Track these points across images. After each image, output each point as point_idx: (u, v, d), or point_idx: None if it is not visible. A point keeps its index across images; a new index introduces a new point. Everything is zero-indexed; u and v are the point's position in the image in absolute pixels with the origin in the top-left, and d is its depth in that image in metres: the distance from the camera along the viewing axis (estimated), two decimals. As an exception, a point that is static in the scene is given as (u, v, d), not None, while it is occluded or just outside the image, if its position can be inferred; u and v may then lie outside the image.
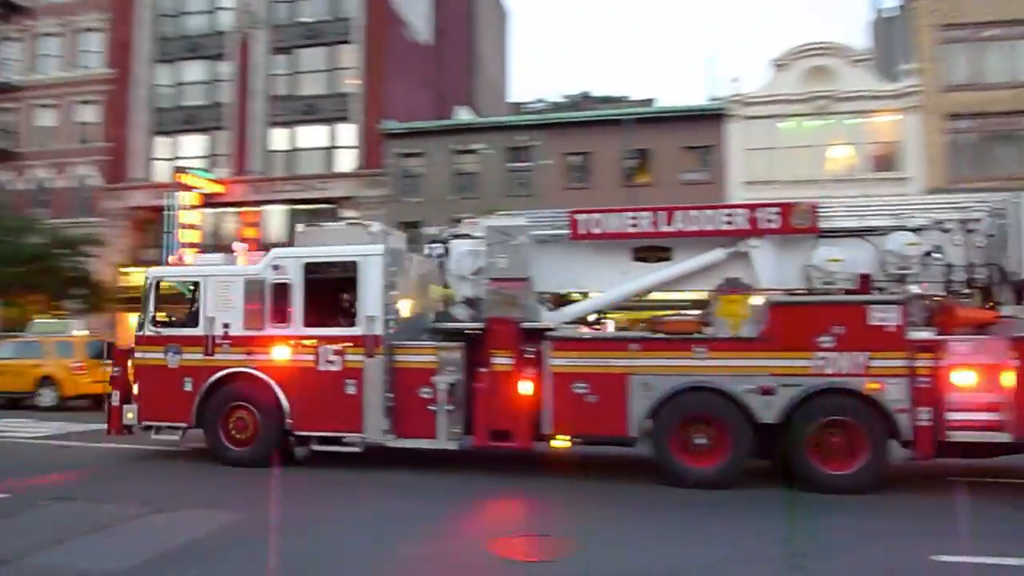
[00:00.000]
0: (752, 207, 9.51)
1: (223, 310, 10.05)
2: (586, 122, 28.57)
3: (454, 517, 7.43)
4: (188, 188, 27.86)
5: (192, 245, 27.81)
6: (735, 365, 8.57)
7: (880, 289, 8.81)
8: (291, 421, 9.65)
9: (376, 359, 9.45)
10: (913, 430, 8.08)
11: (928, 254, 8.73)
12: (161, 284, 10.72)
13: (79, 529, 6.83)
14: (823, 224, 9.06)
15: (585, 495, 8.26)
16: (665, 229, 9.47)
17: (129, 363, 10.52)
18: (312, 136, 29.93)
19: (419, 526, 7.06)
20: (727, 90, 27.17)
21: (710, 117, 27.02)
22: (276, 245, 28.53)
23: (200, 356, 10.07)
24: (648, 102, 33.67)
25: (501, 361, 9.11)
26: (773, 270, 9.21)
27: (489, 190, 27.72)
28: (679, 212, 9.49)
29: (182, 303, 11.03)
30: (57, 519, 7.36)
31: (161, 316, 10.62)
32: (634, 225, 9.54)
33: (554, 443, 9.13)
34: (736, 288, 9.11)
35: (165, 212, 27.70)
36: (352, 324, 9.67)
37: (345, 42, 29.68)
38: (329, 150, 29.65)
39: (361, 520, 7.25)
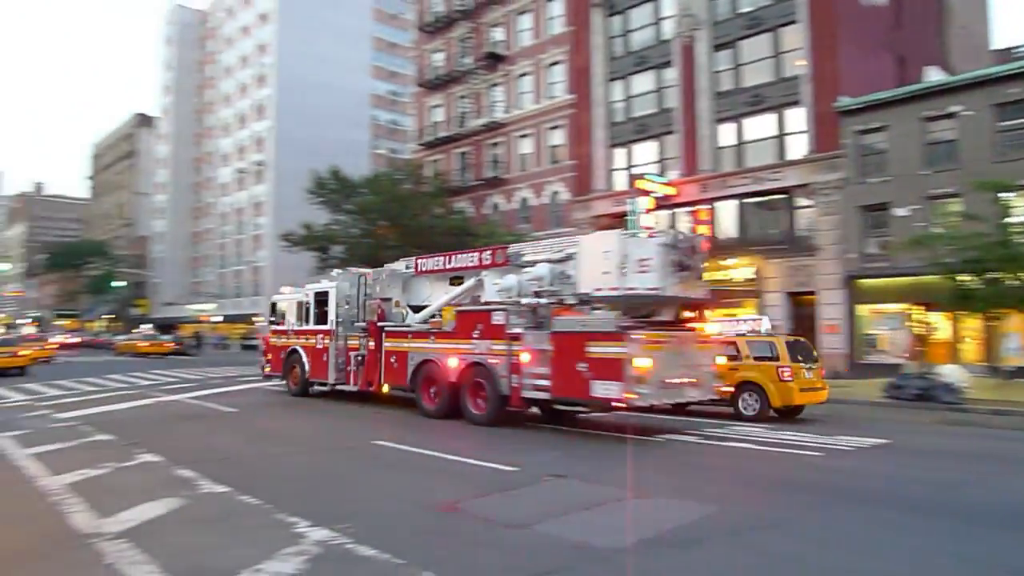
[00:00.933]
0: (480, 251, 15.44)
1: (291, 316, 19.57)
2: (1110, 56, 22.58)
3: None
4: (644, 193, 29.58)
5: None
6: (443, 347, 14.36)
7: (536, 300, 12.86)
8: (308, 374, 18.46)
9: (332, 342, 17.64)
10: (510, 389, 12.81)
11: (561, 276, 13.00)
12: (276, 304, 20.59)
13: (573, 505, 7.57)
14: (521, 259, 14.06)
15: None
16: (448, 267, 16.01)
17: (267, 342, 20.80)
18: (759, 127, 29.31)
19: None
20: None
21: None
22: (728, 240, 28.83)
23: (284, 340, 19.67)
24: None
25: (371, 344, 16.29)
26: (493, 291, 14.28)
27: (973, 157, 23.76)
28: (453, 256, 16.06)
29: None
30: (555, 494, 8.29)
31: (276, 320, 20.33)
32: (436, 264, 16.33)
33: (384, 390, 16.09)
34: (476, 302, 14.94)
35: (627, 218, 29.87)
36: (327, 323, 17.94)
37: (790, 23, 28.42)
38: (778, 138, 28.68)
39: (849, 528, 6.70)
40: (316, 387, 18.60)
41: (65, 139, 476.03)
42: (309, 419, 15.35)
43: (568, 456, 10.68)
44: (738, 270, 28.37)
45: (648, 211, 29.67)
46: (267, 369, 20.68)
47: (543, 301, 12.70)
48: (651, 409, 12.73)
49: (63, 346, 56.49)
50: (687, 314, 12.93)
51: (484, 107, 41.23)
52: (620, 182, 33.66)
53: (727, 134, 30.28)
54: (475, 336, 13.66)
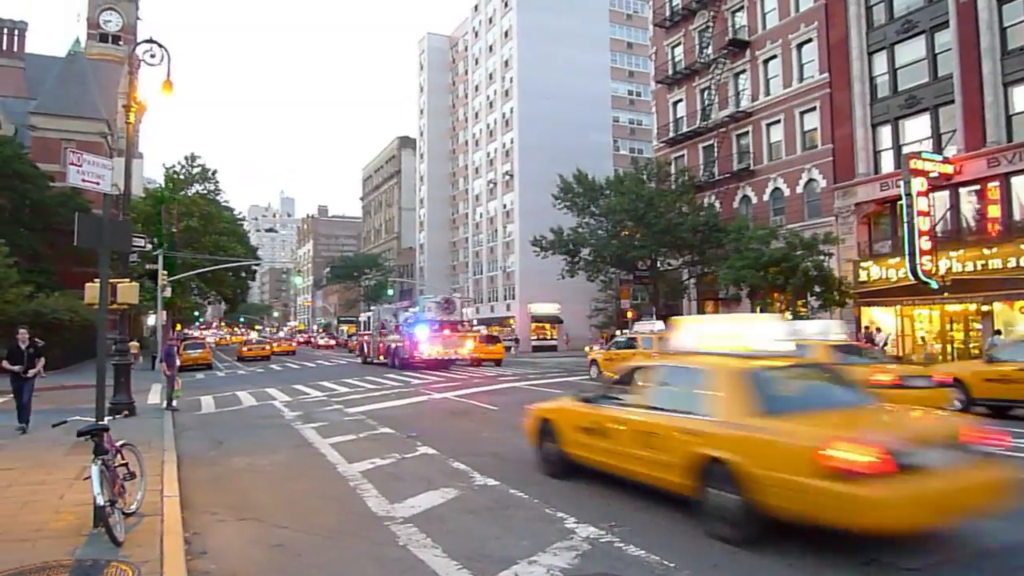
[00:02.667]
0: (406, 301, 62.20)
1: (362, 327, 49.36)
2: None
3: None
4: (920, 174, 26.50)
5: (925, 233, 26.38)
6: (389, 339, 39.00)
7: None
8: (366, 354, 43.60)
9: (372, 339, 42.59)
10: (402, 355, 36.13)
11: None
12: (360, 321, 54.70)
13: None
14: (419, 303, 42.18)
15: None
16: (404, 305, 50.32)
17: (357, 339, 52.46)
18: (1065, 85, 24.98)
19: None
20: None
21: None
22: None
23: (359, 338, 49.44)
24: None
25: (380, 339, 41.17)
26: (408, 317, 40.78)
27: None
28: (403, 303, 55.04)
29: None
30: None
31: (360, 328, 52.98)
32: (401, 305, 50.87)
33: (380, 359, 40.06)
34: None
35: (898, 202, 26.97)
36: (371, 330, 43.72)
37: (1102, -41, 23.90)
38: (1091, 97, 24.21)
39: None
40: (368, 360, 41.57)
41: (344, 166, 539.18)
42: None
43: None
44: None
45: (921, 193, 26.54)
46: (356, 352, 48.49)
47: (411, 321, 36.47)
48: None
49: (322, 346, 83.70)
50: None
51: (728, 97, 39.63)
52: (887, 164, 30.54)
53: (1021, 98, 26.18)
54: (396, 334, 36.98)
